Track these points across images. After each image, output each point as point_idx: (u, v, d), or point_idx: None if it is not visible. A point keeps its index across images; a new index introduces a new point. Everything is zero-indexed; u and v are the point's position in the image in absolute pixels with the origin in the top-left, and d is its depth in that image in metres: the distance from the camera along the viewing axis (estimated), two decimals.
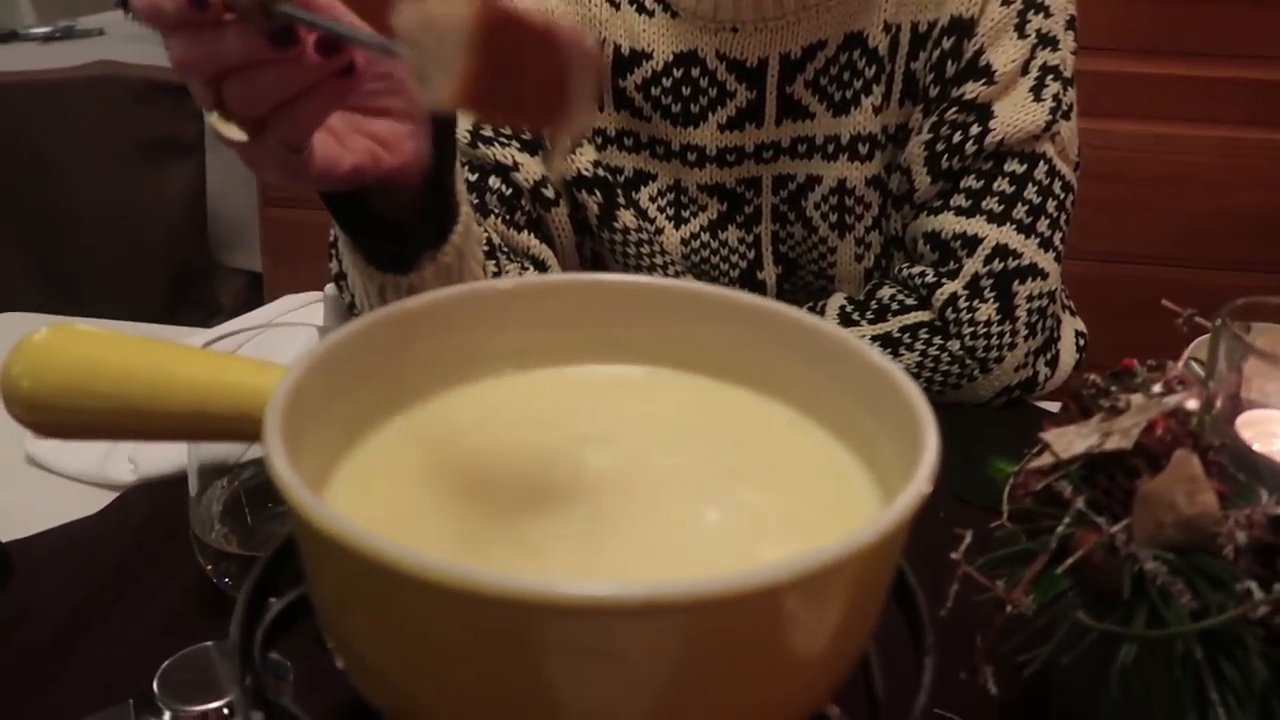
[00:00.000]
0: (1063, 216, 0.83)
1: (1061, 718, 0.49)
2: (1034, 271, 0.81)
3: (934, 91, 0.82)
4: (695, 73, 0.84)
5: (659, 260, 0.89)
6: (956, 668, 0.45)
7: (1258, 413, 0.45)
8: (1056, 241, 0.83)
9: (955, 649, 0.41)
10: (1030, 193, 0.81)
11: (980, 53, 0.80)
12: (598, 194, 0.86)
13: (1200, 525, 0.39)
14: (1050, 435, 0.46)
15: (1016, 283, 0.81)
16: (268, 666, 0.34)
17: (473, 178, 0.84)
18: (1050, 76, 0.81)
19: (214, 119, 0.51)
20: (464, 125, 0.84)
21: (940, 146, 0.81)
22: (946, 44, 0.80)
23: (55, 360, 0.34)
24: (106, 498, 0.69)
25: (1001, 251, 0.80)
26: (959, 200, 0.82)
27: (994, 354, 0.81)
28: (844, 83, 0.83)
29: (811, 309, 0.85)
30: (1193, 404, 0.44)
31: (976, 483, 0.52)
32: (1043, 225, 0.81)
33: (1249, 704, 0.38)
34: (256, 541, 0.56)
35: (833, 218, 0.87)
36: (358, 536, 0.25)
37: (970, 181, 0.82)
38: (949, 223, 0.82)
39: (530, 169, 0.86)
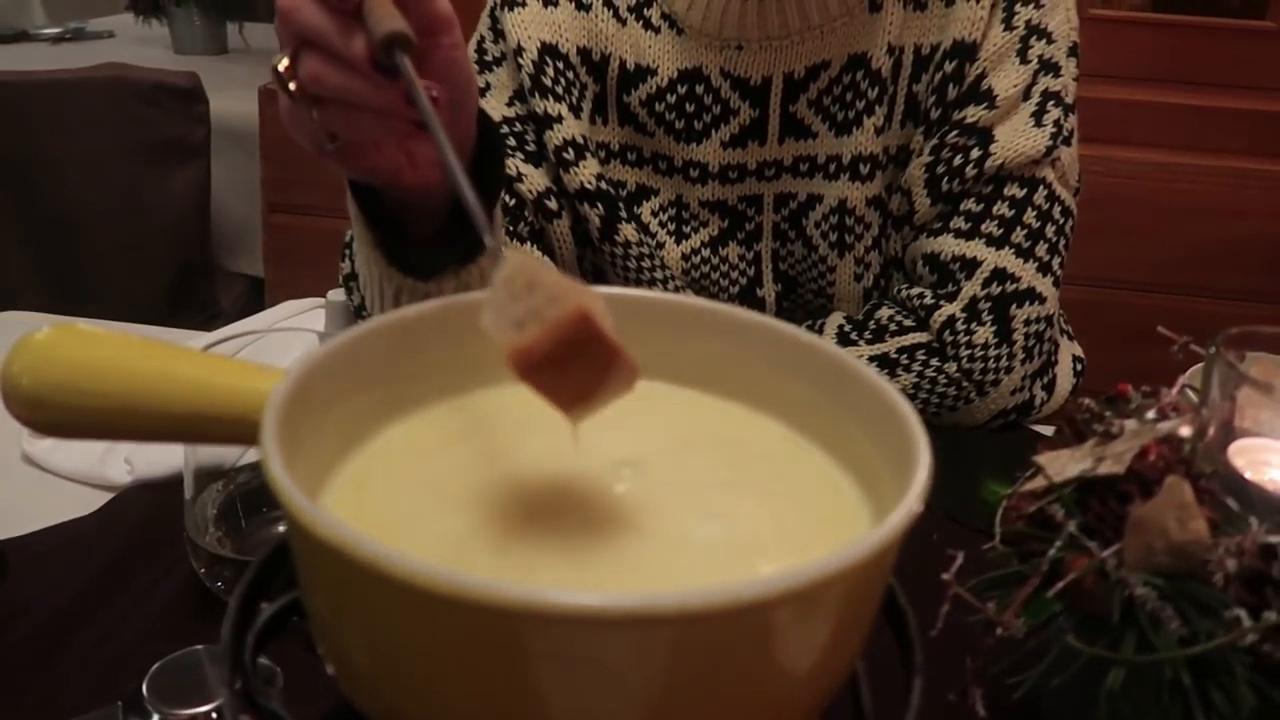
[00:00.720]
0: (1061, 241, 0.84)
1: None
2: (1032, 295, 0.81)
3: (935, 114, 0.82)
4: (699, 90, 0.85)
5: (659, 275, 0.89)
6: (945, 689, 0.45)
7: (1250, 441, 0.45)
8: (1055, 266, 0.83)
9: (945, 670, 0.41)
10: (1029, 217, 0.82)
11: (982, 77, 0.81)
12: (600, 207, 0.87)
13: (1191, 552, 0.39)
14: (1043, 459, 0.46)
15: (1014, 306, 0.81)
16: (258, 671, 0.34)
17: None
18: (1051, 102, 0.82)
19: (280, 62, 0.51)
20: None
21: (941, 169, 0.82)
22: (949, 67, 0.81)
23: (55, 359, 0.35)
24: (102, 498, 0.69)
25: (1000, 275, 0.81)
26: (958, 223, 0.82)
27: (991, 377, 0.81)
28: (846, 103, 0.84)
29: (810, 327, 0.86)
30: (1186, 431, 0.44)
31: (970, 505, 0.52)
32: (1041, 250, 0.82)
33: None
34: (251, 546, 0.56)
35: (833, 237, 0.87)
36: (351, 541, 0.26)
37: (970, 205, 0.82)
38: (948, 245, 0.82)
39: (534, 181, 0.86)
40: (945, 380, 0.81)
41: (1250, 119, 1.58)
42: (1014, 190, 0.82)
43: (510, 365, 0.31)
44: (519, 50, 0.86)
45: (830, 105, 0.84)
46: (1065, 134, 0.83)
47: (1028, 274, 0.81)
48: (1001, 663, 0.44)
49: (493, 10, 0.89)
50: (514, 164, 0.86)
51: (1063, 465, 0.44)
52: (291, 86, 0.50)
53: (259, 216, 1.71)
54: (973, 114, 0.81)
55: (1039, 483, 0.46)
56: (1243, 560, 0.38)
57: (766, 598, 0.26)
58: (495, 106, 0.87)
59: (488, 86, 0.89)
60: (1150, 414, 0.46)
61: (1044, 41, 0.81)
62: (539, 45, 0.85)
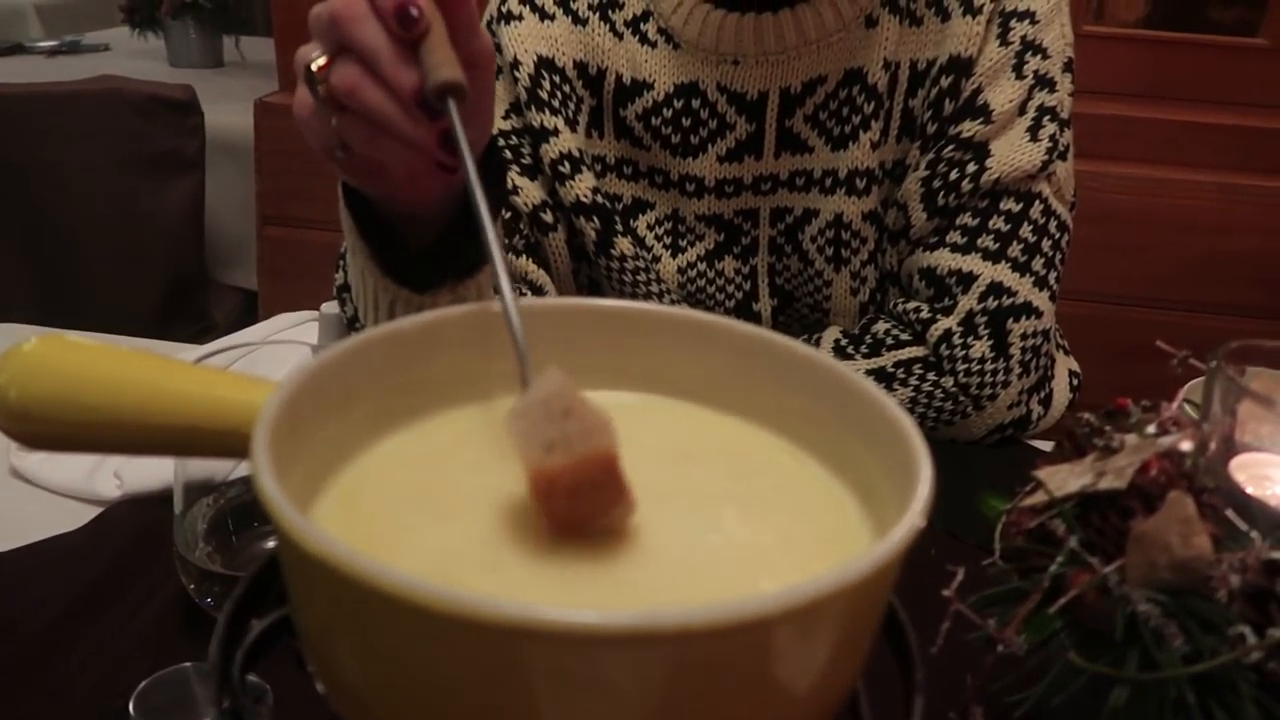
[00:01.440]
0: (1057, 256, 0.84)
1: None
2: (1028, 310, 0.81)
3: (932, 129, 0.82)
4: (696, 104, 0.85)
5: (655, 289, 0.89)
6: (946, 707, 0.44)
7: (1251, 456, 0.44)
8: (1051, 280, 0.83)
9: (945, 689, 0.40)
10: (1026, 231, 0.82)
11: (978, 92, 0.81)
12: (596, 221, 0.87)
13: (1194, 568, 0.39)
14: (1044, 473, 0.45)
15: (1011, 321, 0.81)
16: (247, 689, 0.33)
17: None
18: (1047, 117, 0.82)
19: (315, 61, 0.49)
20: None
21: (937, 183, 0.82)
22: (945, 82, 0.81)
23: (43, 371, 0.34)
24: (91, 513, 0.68)
25: (996, 289, 0.81)
26: (955, 237, 0.82)
27: (988, 391, 0.81)
28: (843, 118, 0.84)
29: (806, 342, 0.85)
30: (1187, 445, 0.44)
31: (968, 520, 0.52)
32: (1038, 264, 0.82)
33: None
34: (240, 561, 0.56)
35: (829, 251, 0.87)
36: (343, 556, 0.25)
37: (966, 219, 0.82)
38: (945, 259, 0.82)
39: (530, 193, 0.86)
40: (942, 395, 0.81)
41: (1242, 135, 1.59)
42: (1010, 205, 0.82)
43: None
44: (515, 64, 0.86)
45: (827, 120, 0.84)
46: (1061, 149, 0.83)
47: (1024, 288, 0.81)
48: (1003, 680, 0.44)
49: (489, 24, 0.88)
50: (510, 177, 0.85)
51: (1063, 480, 0.44)
52: (320, 89, 0.49)
53: (253, 229, 1.71)
54: (969, 129, 0.81)
55: (1039, 497, 0.45)
56: (1246, 576, 0.38)
57: (769, 614, 0.25)
58: None
59: None
60: (1150, 429, 0.45)
61: (1039, 57, 0.82)
62: (535, 59, 0.85)
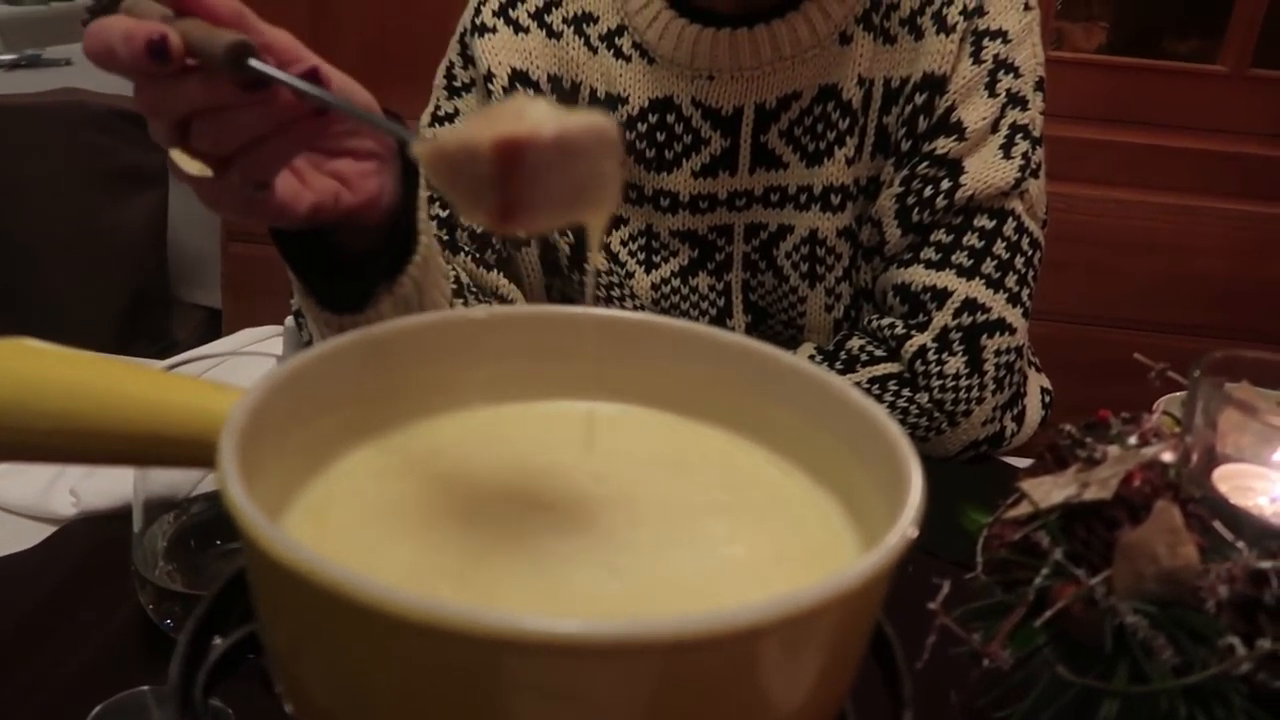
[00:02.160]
0: (1030, 273, 0.84)
1: None
2: (1002, 326, 0.82)
3: (906, 146, 0.82)
4: (670, 119, 0.84)
5: (628, 304, 0.88)
6: None
7: (1233, 466, 0.44)
8: (1024, 297, 0.83)
9: (931, 704, 0.39)
10: (999, 248, 0.82)
11: (952, 109, 0.81)
12: (569, 235, 0.86)
13: (1182, 578, 0.38)
14: (1028, 485, 0.45)
15: (985, 337, 0.81)
16: (209, 712, 0.31)
17: (444, 214, 0.84)
18: (1020, 135, 0.83)
19: (175, 154, 0.49)
20: None
21: (911, 200, 0.82)
22: (919, 100, 0.82)
23: (1, 376, 0.32)
24: (45, 531, 0.66)
25: (970, 305, 0.81)
26: (929, 254, 0.82)
27: (962, 407, 0.81)
28: (817, 134, 0.84)
29: None
30: (1169, 456, 0.44)
31: (945, 537, 0.51)
32: (1011, 281, 0.82)
33: None
34: (203, 580, 0.54)
35: (803, 267, 0.87)
36: (315, 564, 0.24)
37: (940, 235, 0.82)
38: (919, 276, 0.82)
39: None
40: (917, 411, 0.81)
41: (1203, 158, 1.63)
42: (984, 221, 0.82)
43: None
44: (489, 76, 0.85)
45: (801, 136, 0.84)
46: (1033, 166, 0.84)
47: (998, 305, 0.81)
48: (989, 695, 0.43)
49: (462, 36, 0.88)
50: None
51: (1047, 491, 0.43)
52: (194, 163, 0.48)
53: (217, 246, 1.68)
54: (943, 145, 0.81)
55: (1022, 509, 0.45)
56: (1234, 586, 0.37)
57: (757, 626, 0.24)
58: None
59: (456, 112, 0.88)
60: (1132, 440, 0.45)
61: (1011, 75, 0.82)
62: (509, 71, 0.85)
